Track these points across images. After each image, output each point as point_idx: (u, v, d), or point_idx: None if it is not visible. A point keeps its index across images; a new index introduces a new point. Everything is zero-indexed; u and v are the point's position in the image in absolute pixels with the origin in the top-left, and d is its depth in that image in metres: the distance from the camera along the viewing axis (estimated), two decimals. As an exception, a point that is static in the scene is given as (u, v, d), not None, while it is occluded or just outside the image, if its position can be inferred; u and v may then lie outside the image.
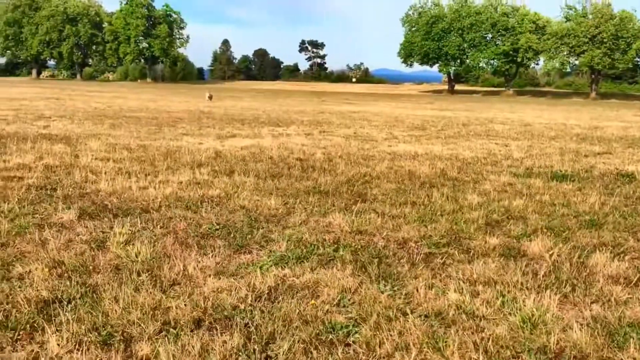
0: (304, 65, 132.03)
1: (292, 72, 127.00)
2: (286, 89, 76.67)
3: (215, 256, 4.62)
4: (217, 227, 5.48)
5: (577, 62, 75.15)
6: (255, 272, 4.24)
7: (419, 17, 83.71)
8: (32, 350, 3.03)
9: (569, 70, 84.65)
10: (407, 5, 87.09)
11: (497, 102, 52.92)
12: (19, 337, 3.16)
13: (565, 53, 73.42)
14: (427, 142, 14.34)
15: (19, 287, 3.81)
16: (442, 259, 4.76)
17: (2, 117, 17.05)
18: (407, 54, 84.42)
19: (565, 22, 73.99)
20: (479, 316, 3.63)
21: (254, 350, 3.11)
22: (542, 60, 77.94)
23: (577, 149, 13.82)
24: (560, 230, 5.77)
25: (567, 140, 16.17)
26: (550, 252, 4.96)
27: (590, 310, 3.79)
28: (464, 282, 4.20)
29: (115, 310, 3.47)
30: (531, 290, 4.09)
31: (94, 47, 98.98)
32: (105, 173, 8.00)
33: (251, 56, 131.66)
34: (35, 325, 3.29)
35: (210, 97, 34.15)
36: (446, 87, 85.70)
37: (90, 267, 4.24)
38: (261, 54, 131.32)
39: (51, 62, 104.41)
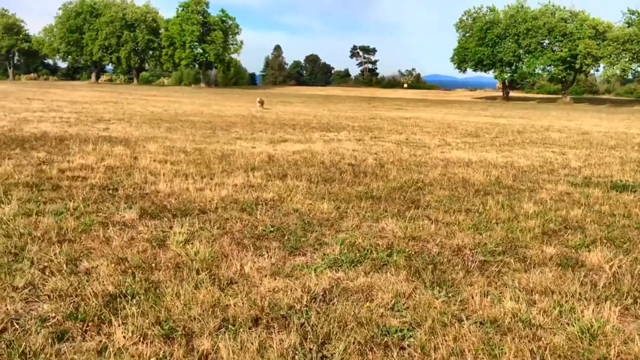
0: (355, 71, 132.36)
1: (343, 78, 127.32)
2: (337, 95, 76.90)
3: (270, 257, 4.72)
4: (272, 229, 5.59)
5: (639, 69, 72.47)
6: (309, 274, 4.31)
7: (474, 22, 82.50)
8: (100, 341, 3.18)
9: (630, 77, 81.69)
10: (461, 10, 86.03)
11: (554, 109, 51.59)
12: (87, 328, 3.32)
13: (627, 59, 70.87)
14: (481, 150, 14.14)
15: (87, 281, 3.99)
16: (497, 267, 4.72)
17: (64, 119, 17.79)
18: (461, 59, 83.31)
19: (627, 27, 71.44)
20: (535, 325, 3.58)
21: (310, 349, 3.17)
22: (602, 66, 75.45)
23: (638, 158, 13.35)
24: (621, 242, 5.61)
25: (627, 149, 15.63)
26: (610, 263, 4.84)
27: (652, 324, 3.69)
28: (520, 290, 4.16)
29: (177, 306, 3.60)
30: (590, 301, 4.00)
31: (150, 52, 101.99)
32: (163, 175, 8.25)
33: (302, 62, 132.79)
34: (103, 317, 3.45)
35: (262, 103, 30.92)
36: (500, 93, 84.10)
37: (152, 264, 4.40)
38: (312, 59, 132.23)
39: (109, 67, 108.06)
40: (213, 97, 47.18)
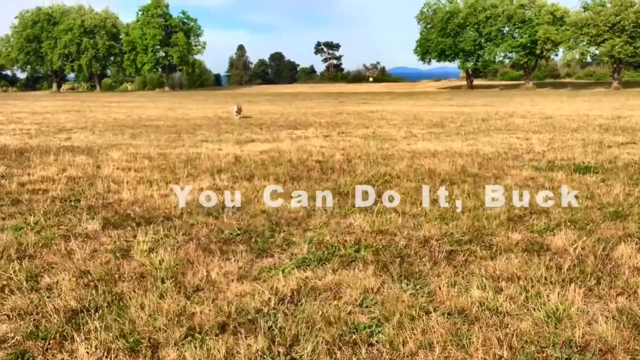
0: (320, 67, 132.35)
1: (309, 74, 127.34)
2: (303, 92, 76.83)
3: (237, 261, 4.67)
4: (239, 232, 5.53)
5: (597, 52, 73.94)
6: (277, 276, 4.27)
7: (434, 13, 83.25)
8: (62, 359, 3.09)
9: (589, 60, 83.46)
10: (422, 2, 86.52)
11: (517, 95, 52.39)
12: (49, 346, 3.23)
13: (584, 43, 72.33)
14: (447, 139, 14.27)
15: (48, 297, 3.89)
16: (464, 256, 4.75)
17: (25, 131, 17.38)
18: (424, 51, 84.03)
19: (584, 12, 72.91)
20: (502, 312, 3.61)
21: (279, 352, 3.14)
22: (561, 51, 76.90)
23: (600, 139, 13.63)
24: (584, 223, 5.71)
25: (589, 131, 15.95)
26: (574, 246, 4.92)
27: (615, 303, 3.75)
28: (486, 278, 4.19)
29: (142, 317, 3.53)
30: (555, 284, 4.06)
31: (111, 58, 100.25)
32: (127, 182, 8.11)
33: (267, 60, 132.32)
34: (65, 334, 3.36)
35: (239, 110, 23.09)
36: (464, 82, 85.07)
37: (116, 276, 4.31)
38: (277, 57, 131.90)
39: (70, 75, 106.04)
40: (178, 100, 46.67)
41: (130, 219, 6.04)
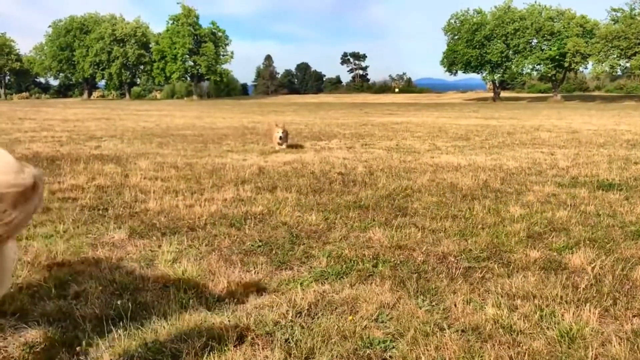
0: (346, 78, 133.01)
1: (335, 85, 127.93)
2: (329, 102, 77.13)
3: (257, 272, 4.78)
4: (260, 243, 5.65)
5: (628, 65, 72.93)
6: (295, 289, 4.37)
7: (461, 25, 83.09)
8: (88, 365, 3.24)
9: (619, 73, 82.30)
10: (450, 13, 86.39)
11: (544, 108, 51.87)
12: (75, 353, 3.37)
13: (615, 56, 71.40)
14: (471, 153, 14.25)
15: (75, 304, 4.05)
16: (481, 273, 4.79)
17: (56, 138, 17.83)
18: (450, 62, 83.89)
19: (614, 24, 71.99)
20: (516, 330, 3.66)
21: (294, 365, 3.23)
22: (590, 64, 76.01)
23: (626, 156, 13.48)
24: (604, 242, 5.70)
25: (616, 147, 15.77)
26: (593, 265, 4.92)
27: (631, 325, 3.76)
28: (502, 296, 4.23)
29: (164, 327, 3.66)
30: (571, 303, 4.08)
31: (141, 66, 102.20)
32: (153, 192, 8.31)
33: (294, 70, 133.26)
34: (91, 341, 3.50)
35: (284, 137, 14.88)
36: (491, 94, 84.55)
37: (140, 285, 4.46)
38: (303, 67, 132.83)
39: (101, 83, 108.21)
40: (205, 109, 47.29)
41: (155, 229, 6.21)
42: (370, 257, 5.22)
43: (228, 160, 12.50)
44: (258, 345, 3.45)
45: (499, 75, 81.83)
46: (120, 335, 3.54)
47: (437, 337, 3.56)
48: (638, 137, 19.08)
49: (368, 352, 3.39)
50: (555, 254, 5.34)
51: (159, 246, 5.52)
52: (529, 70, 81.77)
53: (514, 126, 25.27)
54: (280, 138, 14.73)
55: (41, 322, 3.77)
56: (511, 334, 3.60)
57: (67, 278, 4.61)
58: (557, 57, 75.89)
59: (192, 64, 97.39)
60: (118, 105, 61.41)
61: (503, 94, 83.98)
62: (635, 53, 68.25)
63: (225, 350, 3.38)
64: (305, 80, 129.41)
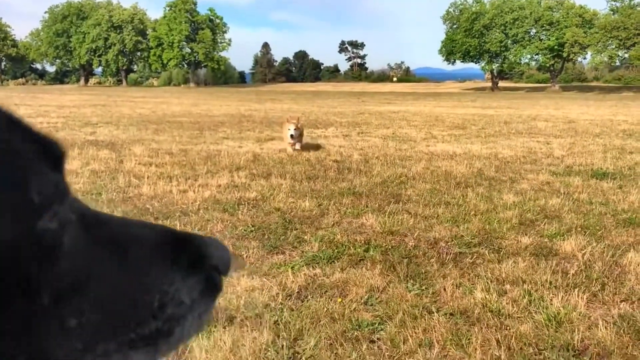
0: (344, 66, 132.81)
1: (332, 73, 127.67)
2: (326, 90, 76.98)
3: (249, 257, 4.80)
4: (252, 228, 5.66)
5: (627, 55, 72.84)
6: (286, 272, 4.39)
7: (460, 14, 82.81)
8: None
9: (618, 63, 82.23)
10: (448, 2, 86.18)
11: (542, 98, 51.82)
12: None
13: (613, 46, 71.29)
14: (467, 142, 14.25)
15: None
16: (471, 258, 4.81)
17: (52, 124, 17.78)
18: (449, 51, 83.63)
19: (613, 14, 71.84)
20: (504, 314, 3.68)
21: (283, 345, 3.25)
22: (589, 54, 75.88)
23: (621, 145, 13.50)
24: (596, 229, 5.72)
25: (612, 136, 15.79)
26: (583, 251, 4.95)
27: (618, 309, 3.79)
28: (491, 281, 4.25)
29: (153, 308, 3.67)
30: (559, 289, 4.11)
31: (138, 53, 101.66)
32: (147, 177, 8.31)
33: (291, 58, 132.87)
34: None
35: (299, 135, 11.57)
36: (489, 84, 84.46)
37: (131, 268, 4.46)
38: (301, 55, 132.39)
39: (98, 70, 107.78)
40: (202, 97, 47.14)
41: (148, 213, 6.22)
42: (362, 242, 5.24)
43: (223, 147, 12.49)
44: (247, 326, 3.47)
45: (497, 65, 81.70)
46: (110, 316, 3.55)
47: (425, 319, 3.58)
48: (634, 127, 19.10)
49: (356, 333, 3.41)
50: (546, 240, 5.37)
51: (152, 230, 5.52)
52: (527, 60, 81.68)
53: (511, 116, 25.26)
54: (292, 137, 11.41)
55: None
56: (499, 318, 3.63)
57: (59, 260, 4.61)
58: (555, 47, 75.69)
59: (190, 51, 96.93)
60: (114, 92, 61.18)
61: (501, 83, 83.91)
62: (634, 44, 68.11)
63: (214, 331, 3.40)
64: (303, 69, 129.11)
